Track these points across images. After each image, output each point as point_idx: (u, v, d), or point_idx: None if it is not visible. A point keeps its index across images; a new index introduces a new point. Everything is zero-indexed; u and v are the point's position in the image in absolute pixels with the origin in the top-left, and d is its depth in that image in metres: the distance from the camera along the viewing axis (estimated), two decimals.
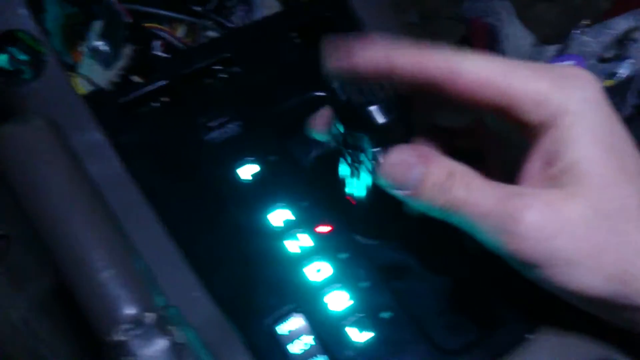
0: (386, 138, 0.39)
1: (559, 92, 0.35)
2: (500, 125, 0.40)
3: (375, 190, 0.44)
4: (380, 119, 0.38)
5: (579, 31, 0.68)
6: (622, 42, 0.63)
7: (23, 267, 0.72)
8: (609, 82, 0.59)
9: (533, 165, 0.37)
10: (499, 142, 0.43)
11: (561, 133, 0.35)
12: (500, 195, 0.35)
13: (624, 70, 0.60)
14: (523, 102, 0.36)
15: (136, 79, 0.58)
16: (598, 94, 0.36)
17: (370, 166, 0.41)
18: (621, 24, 0.66)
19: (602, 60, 0.64)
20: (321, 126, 0.44)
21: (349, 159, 0.42)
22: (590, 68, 0.64)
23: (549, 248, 0.34)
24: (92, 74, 0.57)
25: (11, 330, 0.69)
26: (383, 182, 0.39)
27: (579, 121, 0.35)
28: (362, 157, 0.40)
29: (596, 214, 0.34)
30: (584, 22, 0.67)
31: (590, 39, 0.67)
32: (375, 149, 0.39)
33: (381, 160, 0.39)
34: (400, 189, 0.38)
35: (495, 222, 0.35)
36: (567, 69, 0.37)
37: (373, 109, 0.37)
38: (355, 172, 0.43)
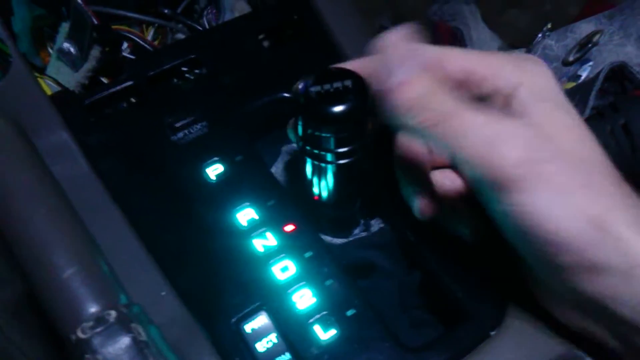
0: (350, 138, 0.40)
1: (517, 69, 0.38)
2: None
3: (340, 191, 0.45)
4: (344, 116, 0.38)
5: (542, 35, 0.69)
6: (584, 46, 0.64)
7: None
8: (571, 85, 0.60)
9: None
10: None
11: (519, 103, 0.37)
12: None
13: (585, 73, 0.62)
14: (483, 77, 0.38)
15: (105, 81, 0.58)
16: (552, 75, 0.39)
17: (334, 168, 0.42)
18: (583, 28, 0.67)
19: (565, 63, 0.65)
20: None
21: (315, 160, 0.42)
22: (554, 71, 0.65)
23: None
24: (60, 76, 0.57)
25: None
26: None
27: (539, 93, 0.37)
28: (329, 157, 0.41)
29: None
30: (547, 26, 0.69)
31: (553, 43, 0.69)
32: (339, 149, 0.40)
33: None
34: (378, 87, 0.38)
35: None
36: (522, 54, 0.39)
37: (336, 107, 0.38)
38: (321, 172, 0.43)
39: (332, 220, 0.48)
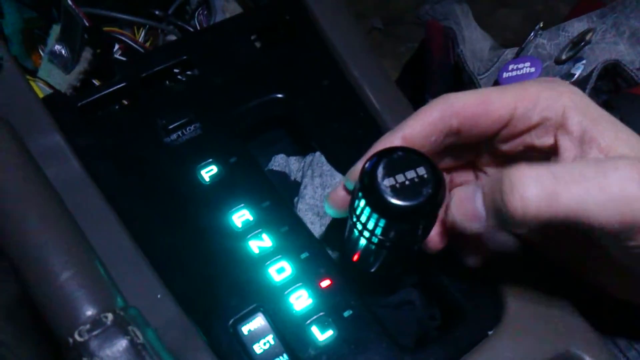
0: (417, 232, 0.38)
1: (554, 93, 0.39)
2: (514, 139, 0.41)
3: (386, 268, 0.43)
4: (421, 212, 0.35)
5: (534, 34, 0.69)
6: (577, 44, 0.64)
7: None
8: None
9: (568, 158, 0.39)
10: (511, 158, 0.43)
11: (578, 125, 0.38)
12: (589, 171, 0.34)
13: (578, 72, 0.62)
14: (528, 108, 0.39)
15: (97, 83, 0.58)
16: (580, 91, 0.39)
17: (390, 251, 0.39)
18: (575, 27, 0.67)
19: (558, 61, 0.65)
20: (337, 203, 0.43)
21: (372, 245, 0.38)
22: (547, 69, 0.66)
23: None
24: (52, 78, 0.56)
25: None
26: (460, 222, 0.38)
27: (588, 112, 0.38)
28: (388, 243, 0.38)
29: None
30: (540, 25, 0.69)
31: (546, 42, 0.69)
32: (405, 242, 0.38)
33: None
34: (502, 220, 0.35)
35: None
36: (543, 79, 0.40)
37: (413, 202, 0.34)
38: (373, 251, 0.40)
39: (363, 276, 0.46)
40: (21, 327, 0.71)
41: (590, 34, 0.63)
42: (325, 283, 0.43)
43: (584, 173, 0.33)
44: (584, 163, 0.34)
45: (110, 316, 0.34)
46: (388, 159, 0.35)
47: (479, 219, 0.36)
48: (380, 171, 0.35)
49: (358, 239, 0.39)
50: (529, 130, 0.40)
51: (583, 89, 0.55)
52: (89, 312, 0.34)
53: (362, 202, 0.36)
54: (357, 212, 0.37)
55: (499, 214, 0.34)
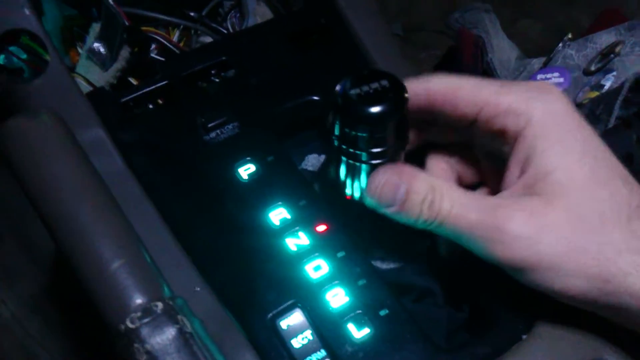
0: (385, 139, 0.41)
1: (523, 105, 0.39)
2: (483, 138, 0.43)
3: None
4: (382, 116, 0.39)
5: (562, 45, 0.70)
6: (606, 56, 0.65)
7: (15, 265, 0.73)
8: (594, 94, 0.61)
9: (512, 173, 0.41)
10: (488, 154, 0.45)
11: (528, 143, 0.39)
12: (484, 207, 0.39)
13: (609, 83, 0.62)
14: (492, 114, 0.40)
15: (133, 81, 0.59)
16: (564, 106, 0.39)
17: (368, 168, 0.42)
18: (603, 38, 0.68)
19: (587, 72, 0.66)
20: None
21: (350, 159, 0.43)
22: (576, 80, 0.66)
23: (532, 254, 0.37)
24: (89, 75, 0.57)
25: (2, 328, 0.69)
26: (371, 202, 0.43)
27: (545, 132, 0.38)
28: (364, 156, 0.42)
29: (573, 219, 0.37)
30: (568, 36, 0.70)
31: (574, 52, 0.70)
32: (374, 149, 0.41)
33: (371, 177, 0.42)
34: (388, 207, 0.41)
35: (481, 233, 0.38)
36: (534, 84, 0.41)
37: (375, 107, 0.39)
38: (355, 171, 0.44)
39: (363, 220, 0.48)
40: (47, 319, 0.72)
41: (619, 46, 0.64)
42: (362, 282, 0.44)
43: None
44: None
45: (160, 305, 0.35)
46: (355, 76, 0.40)
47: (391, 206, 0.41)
48: (347, 85, 0.40)
49: (339, 165, 0.44)
50: (491, 134, 0.41)
51: (614, 100, 0.55)
52: (139, 301, 0.35)
53: (336, 117, 0.41)
54: (336, 132, 0.42)
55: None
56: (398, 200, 0.41)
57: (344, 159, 0.43)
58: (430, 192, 0.40)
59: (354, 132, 0.40)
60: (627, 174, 0.39)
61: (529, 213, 0.38)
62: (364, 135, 0.40)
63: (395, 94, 0.40)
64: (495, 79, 0.39)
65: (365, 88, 0.40)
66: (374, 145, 0.41)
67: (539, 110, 0.39)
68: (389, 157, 0.42)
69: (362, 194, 0.45)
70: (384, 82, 0.40)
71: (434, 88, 0.42)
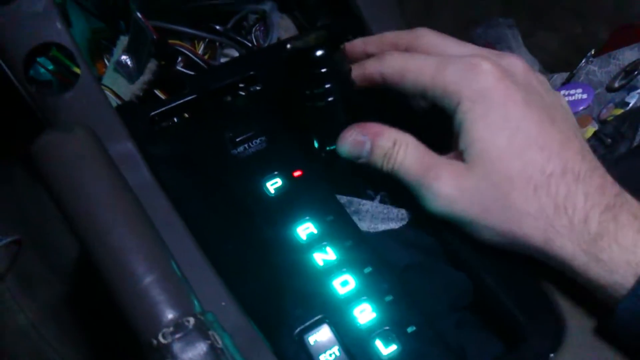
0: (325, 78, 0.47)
1: (456, 87, 0.45)
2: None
3: (328, 129, 0.51)
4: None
5: (585, 61, 0.70)
6: (630, 73, 0.65)
7: (33, 272, 0.73)
8: (618, 111, 0.61)
9: (454, 140, 0.46)
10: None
11: (460, 117, 0.45)
12: (425, 164, 0.46)
13: (634, 100, 0.62)
14: (433, 96, 0.47)
15: (159, 93, 0.59)
16: (491, 83, 0.44)
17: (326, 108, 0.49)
18: (627, 55, 0.68)
19: (610, 89, 0.66)
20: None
21: (308, 103, 0.48)
22: (599, 97, 0.66)
23: (452, 210, 0.45)
24: (116, 87, 0.58)
25: (19, 334, 0.70)
26: (344, 154, 0.49)
27: (471, 108, 0.44)
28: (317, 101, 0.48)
29: (486, 184, 0.43)
30: (591, 52, 0.70)
31: (597, 69, 0.70)
32: (319, 89, 0.47)
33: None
34: (358, 159, 0.49)
35: (417, 185, 0.46)
36: (468, 63, 0.45)
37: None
38: (320, 119, 0.50)
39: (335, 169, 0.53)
40: (65, 326, 0.72)
41: None
42: (389, 298, 0.44)
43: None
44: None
45: (192, 320, 0.35)
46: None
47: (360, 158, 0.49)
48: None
49: (309, 116, 0.50)
50: (442, 106, 0.47)
51: (638, 118, 0.55)
52: (171, 316, 0.35)
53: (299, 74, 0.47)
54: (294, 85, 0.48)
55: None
56: (365, 153, 0.48)
57: (309, 107, 0.48)
58: (393, 146, 0.47)
59: (301, 75, 0.47)
60: (548, 141, 0.43)
61: (453, 176, 0.44)
62: (309, 73, 0.47)
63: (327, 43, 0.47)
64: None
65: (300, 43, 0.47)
66: (318, 85, 0.47)
67: (468, 90, 0.44)
68: (338, 95, 0.48)
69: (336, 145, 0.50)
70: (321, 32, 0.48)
71: (386, 72, 0.49)
